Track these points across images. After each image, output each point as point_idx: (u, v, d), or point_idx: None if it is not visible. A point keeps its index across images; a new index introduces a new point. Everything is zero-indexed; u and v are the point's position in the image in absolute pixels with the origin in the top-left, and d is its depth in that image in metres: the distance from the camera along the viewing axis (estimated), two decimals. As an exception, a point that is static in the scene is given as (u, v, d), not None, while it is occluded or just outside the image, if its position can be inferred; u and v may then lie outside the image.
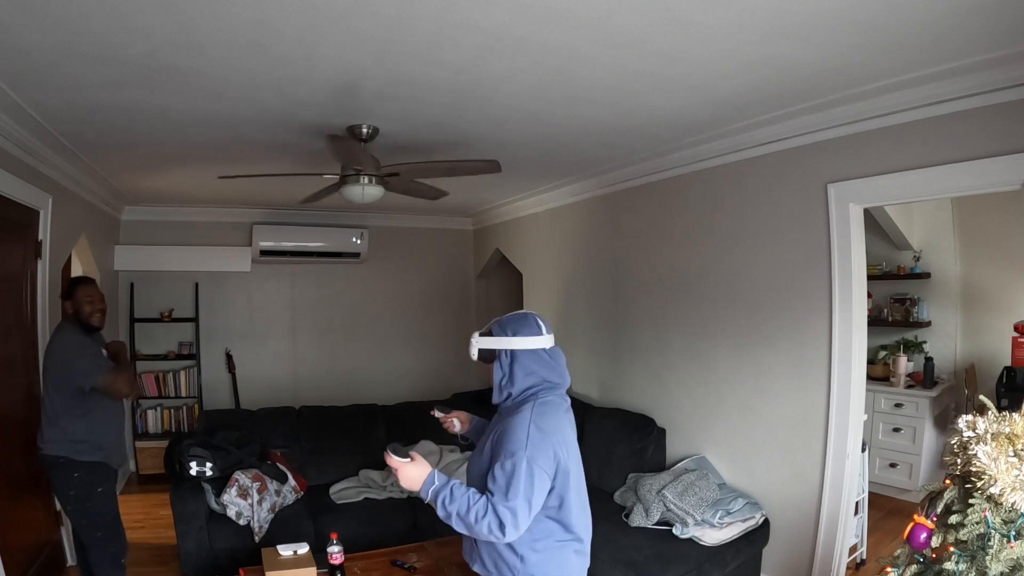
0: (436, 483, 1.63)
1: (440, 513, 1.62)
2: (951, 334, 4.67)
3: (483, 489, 1.64)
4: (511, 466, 1.57)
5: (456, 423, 2.13)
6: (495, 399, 1.79)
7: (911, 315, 4.74)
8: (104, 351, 2.90)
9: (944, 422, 4.42)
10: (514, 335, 1.74)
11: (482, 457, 1.74)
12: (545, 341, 1.77)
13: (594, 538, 1.87)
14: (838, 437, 2.87)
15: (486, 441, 1.76)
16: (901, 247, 4.82)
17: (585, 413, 4.00)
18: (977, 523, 1.50)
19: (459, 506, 1.58)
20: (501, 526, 1.55)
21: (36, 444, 2.73)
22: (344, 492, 3.75)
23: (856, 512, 3.11)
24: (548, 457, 1.61)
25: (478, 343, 1.79)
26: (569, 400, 1.83)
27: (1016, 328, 4.08)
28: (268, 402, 5.10)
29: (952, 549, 1.56)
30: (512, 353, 1.74)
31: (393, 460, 1.67)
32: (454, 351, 6.75)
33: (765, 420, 3.23)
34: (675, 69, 2.33)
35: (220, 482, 3.30)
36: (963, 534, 1.52)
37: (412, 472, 1.65)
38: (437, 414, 2.14)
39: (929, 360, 4.48)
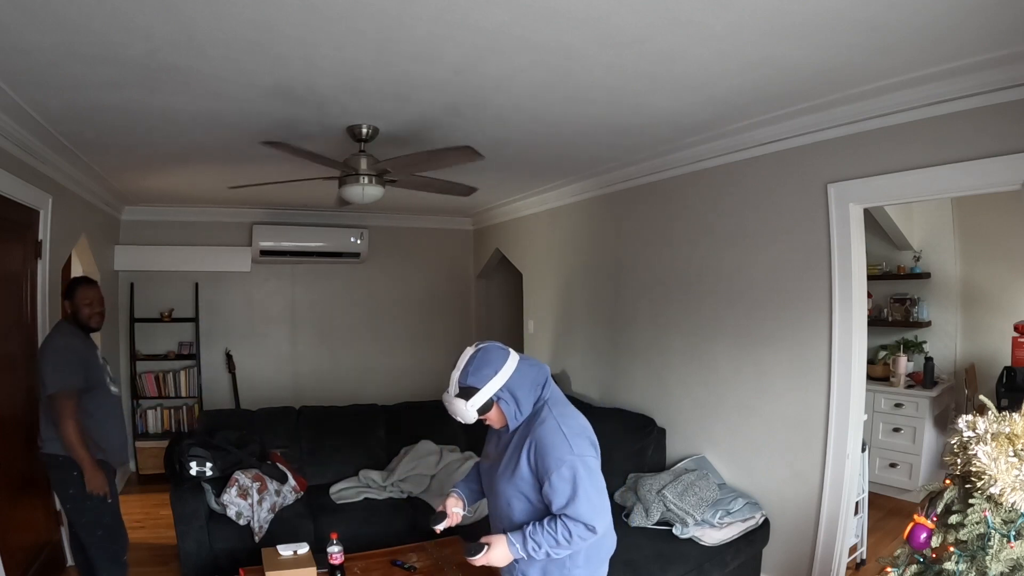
0: (518, 544, 1.69)
1: (539, 558, 1.69)
2: (951, 334, 4.67)
3: (520, 498, 1.74)
4: (569, 473, 1.63)
5: (458, 513, 2.00)
6: (512, 427, 1.78)
7: (911, 315, 4.74)
8: (99, 354, 2.86)
9: (944, 422, 4.42)
10: (496, 373, 1.70)
11: (511, 470, 1.75)
12: (515, 355, 1.77)
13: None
14: (838, 437, 2.87)
15: (504, 454, 1.79)
16: (901, 247, 4.82)
17: (585, 413, 3.99)
18: (977, 523, 1.50)
19: (547, 543, 1.65)
20: (588, 528, 1.63)
21: (36, 443, 2.72)
22: (344, 492, 3.75)
23: (856, 512, 3.11)
24: (589, 446, 1.71)
25: (472, 406, 1.70)
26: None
27: (1016, 328, 4.08)
28: (268, 402, 5.10)
29: (952, 549, 1.56)
30: (508, 387, 1.71)
31: (478, 560, 1.73)
32: (454, 351, 6.66)
33: (765, 420, 3.23)
34: (675, 69, 2.33)
35: (220, 482, 3.30)
36: (963, 534, 1.52)
37: (496, 553, 1.72)
38: (439, 528, 1.96)
39: (929, 360, 4.48)
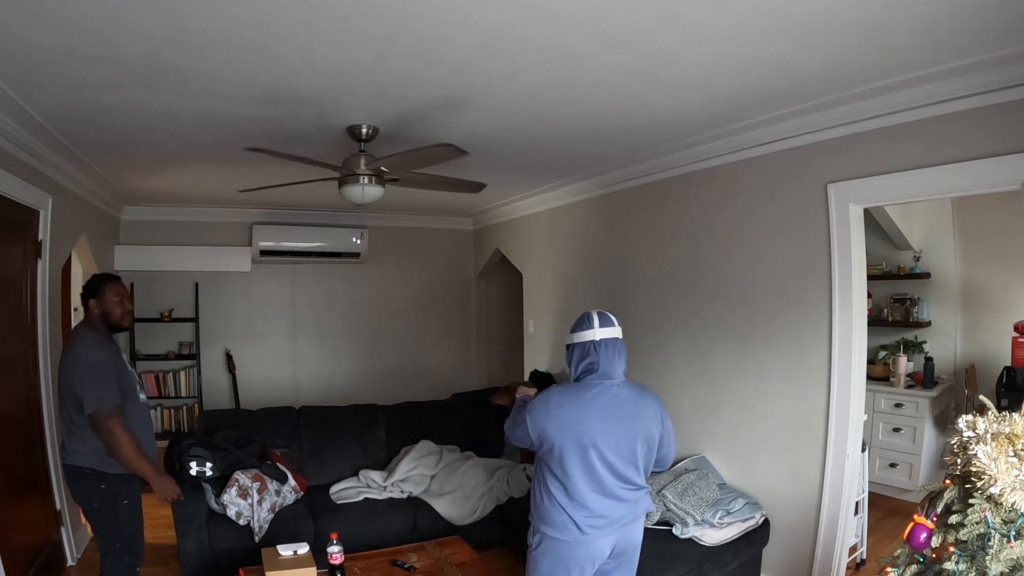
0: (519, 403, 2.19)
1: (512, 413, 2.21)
2: (951, 334, 4.67)
3: None
4: (526, 407, 2.07)
5: (527, 391, 2.47)
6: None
7: (911, 315, 4.74)
8: (126, 360, 2.74)
9: (944, 422, 4.42)
10: (572, 332, 2.11)
11: None
12: (594, 334, 2.07)
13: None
14: (838, 437, 2.87)
15: None
16: (901, 247, 4.82)
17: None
18: (977, 523, 1.50)
19: (516, 411, 2.16)
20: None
21: (39, 447, 2.69)
22: (344, 492, 3.75)
23: (856, 512, 3.11)
24: (536, 420, 2.02)
25: (567, 341, 2.17)
26: (612, 383, 2.05)
27: (1016, 328, 4.08)
28: (268, 402, 5.10)
29: (952, 549, 1.56)
30: (571, 347, 2.12)
31: (522, 389, 2.39)
32: (454, 351, 6.75)
33: (765, 420, 3.22)
34: (675, 69, 2.33)
35: (220, 482, 3.30)
36: (963, 534, 1.52)
37: (519, 392, 2.35)
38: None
39: (929, 360, 4.48)
